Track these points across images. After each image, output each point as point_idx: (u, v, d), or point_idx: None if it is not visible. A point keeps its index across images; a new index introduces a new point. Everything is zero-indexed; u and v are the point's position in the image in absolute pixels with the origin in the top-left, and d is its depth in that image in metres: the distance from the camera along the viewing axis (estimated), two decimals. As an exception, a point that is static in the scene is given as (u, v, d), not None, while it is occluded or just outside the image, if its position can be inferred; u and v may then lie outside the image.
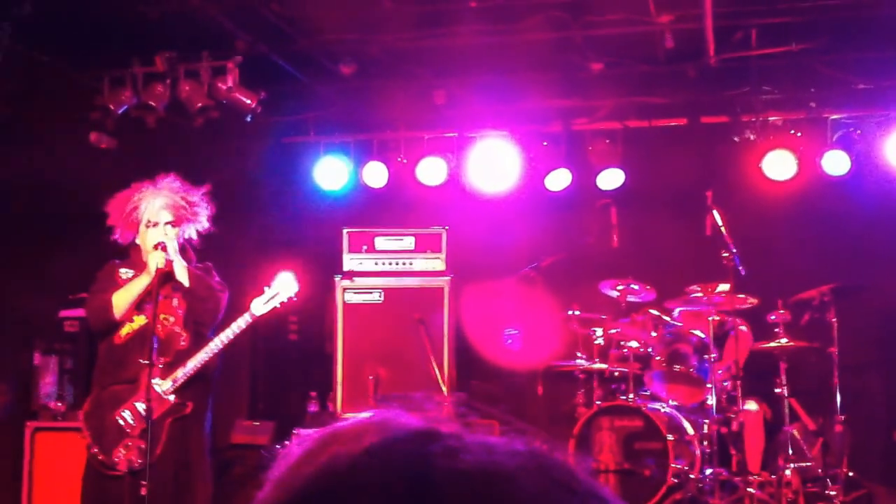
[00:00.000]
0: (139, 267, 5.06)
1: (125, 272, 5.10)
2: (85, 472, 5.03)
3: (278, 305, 5.15)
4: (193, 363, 4.97)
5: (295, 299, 5.22)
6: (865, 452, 6.94)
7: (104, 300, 5.02)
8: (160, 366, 4.91)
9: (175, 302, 5.05)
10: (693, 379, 6.81)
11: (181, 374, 4.95)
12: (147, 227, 4.97)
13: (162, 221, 4.96)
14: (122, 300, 4.99)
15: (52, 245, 6.55)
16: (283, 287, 5.17)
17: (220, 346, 5.02)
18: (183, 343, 5.04)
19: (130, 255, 5.17)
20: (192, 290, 5.05)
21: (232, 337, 5.02)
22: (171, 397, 4.95)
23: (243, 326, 5.05)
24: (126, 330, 5.00)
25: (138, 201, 4.96)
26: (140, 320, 4.98)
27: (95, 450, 4.92)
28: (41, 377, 6.59)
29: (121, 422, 4.90)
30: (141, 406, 4.82)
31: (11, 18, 5.35)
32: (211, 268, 5.25)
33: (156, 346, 4.83)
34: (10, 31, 5.41)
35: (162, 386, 4.93)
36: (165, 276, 4.98)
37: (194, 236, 5.13)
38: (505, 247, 8.02)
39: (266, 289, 5.17)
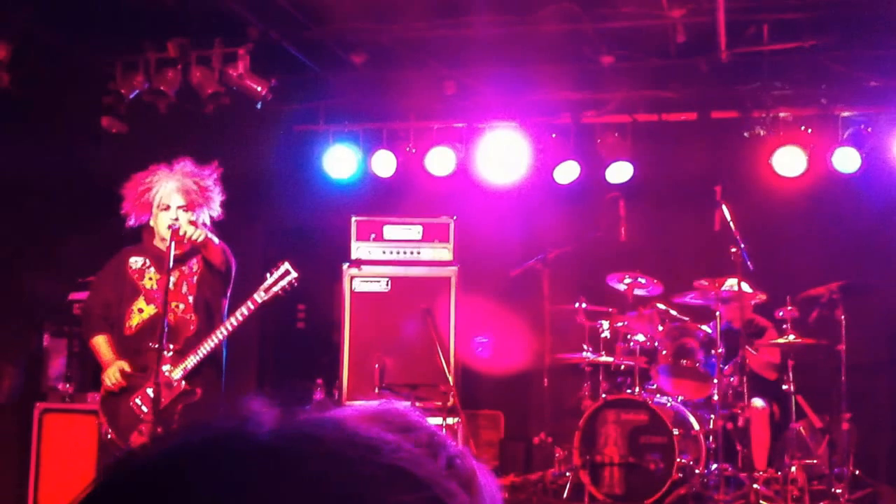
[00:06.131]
0: (150, 253, 5.08)
1: (135, 261, 5.09)
2: (99, 455, 5.07)
3: (280, 293, 5.14)
4: (202, 350, 4.99)
5: (296, 285, 5.19)
6: (872, 451, 6.93)
7: (92, 329, 5.11)
8: (170, 353, 4.93)
9: (185, 288, 5.05)
10: (699, 374, 6.80)
11: (191, 361, 4.97)
12: (159, 209, 4.99)
13: (174, 205, 4.96)
14: (94, 347, 5.08)
15: (62, 228, 6.58)
16: (282, 274, 5.15)
17: (226, 333, 5.03)
18: (192, 328, 5.05)
19: (143, 239, 5.18)
20: (210, 258, 5.07)
21: (236, 325, 5.02)
22: (182, 384, 4.97)
23: (246, 314, 5.04)
24: (136, 321, 5.01)
25: (151, 183, 4.97)
26: (150, 310, 4.98)
27: (112, 435, 4.95)
28: (50, 359, 6.62)
29: (135, 408, 4.93)
30: (151, 391, 4.84)
31: None
32: (226, 249, 5.25)
33: (166, 333, 4.86)
34: None
35: (173, 373, 4.94)
36: (177, 260, 4.99)
37: (208, 221, 5.11)
38: (512, 238, 8.02)
39: (267, 276, 5.16)
